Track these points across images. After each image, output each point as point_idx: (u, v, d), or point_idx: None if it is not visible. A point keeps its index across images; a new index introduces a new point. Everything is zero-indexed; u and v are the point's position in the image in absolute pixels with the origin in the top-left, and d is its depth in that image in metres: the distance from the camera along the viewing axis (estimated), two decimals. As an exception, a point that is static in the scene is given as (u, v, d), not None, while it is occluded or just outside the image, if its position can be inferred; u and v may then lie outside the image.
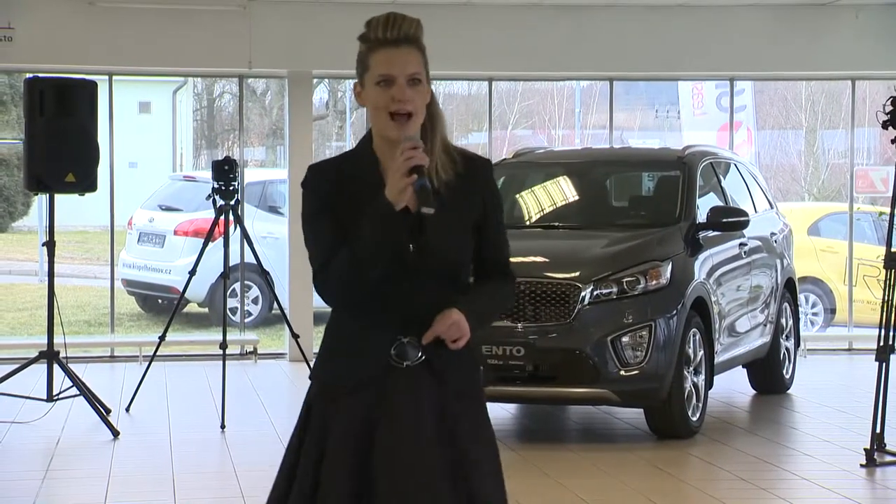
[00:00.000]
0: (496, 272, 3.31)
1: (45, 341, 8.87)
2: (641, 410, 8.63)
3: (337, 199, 3.19)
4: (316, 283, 3.21)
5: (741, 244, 9.45)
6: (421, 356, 3.17)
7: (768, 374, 10.30)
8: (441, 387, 3.19)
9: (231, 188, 9.32)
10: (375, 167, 3.21)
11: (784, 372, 10.39)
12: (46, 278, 9.04)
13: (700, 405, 8.60)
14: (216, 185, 9.32)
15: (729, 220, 8.99)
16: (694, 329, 8.47)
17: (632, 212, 9.56)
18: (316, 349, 13.40)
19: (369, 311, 3.18)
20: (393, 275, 3.14)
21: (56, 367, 8.82)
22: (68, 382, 8.77)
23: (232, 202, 9.33)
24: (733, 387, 10.40)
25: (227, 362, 9.25)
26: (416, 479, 3.10)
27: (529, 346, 8.06)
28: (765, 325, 9.93)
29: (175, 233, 15.40)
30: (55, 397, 8.89)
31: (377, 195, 3.12)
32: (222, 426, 8.81)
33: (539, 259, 8.38)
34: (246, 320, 13.30)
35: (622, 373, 8.09)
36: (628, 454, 8.07)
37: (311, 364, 9.78)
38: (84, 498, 7.08)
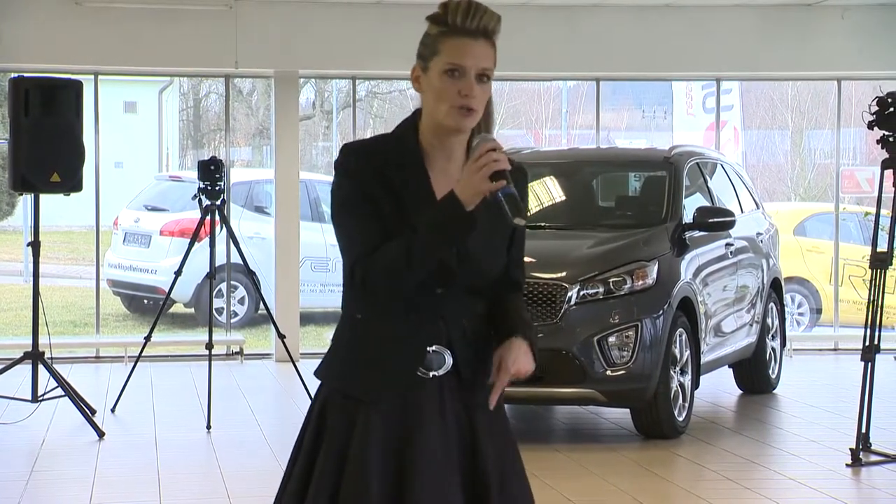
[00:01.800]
0: (513, 291, 3.17)
1: (30, 342, 8.84)
2: (628, 410, 8.63)
3: (376, 184, 2.98)
4: (352, 274, 2.98)
5: (727, 244, 9.46)
6: (449, 364, 3.03)
7: (754, 374, 10.32)
8: (468, 396, 3.05)
9: (217, 188, 9.30)
10: (420, 157, 3.02)
11: (770, 372, 10.40)
12: (31, 278, 9.01)
13: (686, 405, 8.60)
14: (202, 185, 9.30)
15: (715, 221, 9.00)
16: (680, 329, 8.48)
17: (618, 212, 9.56)
18: (302, 349, 13.36)
19: (397, 318, 3.01)
20: (426, 282, 2.98)
21: (41, 367, 8.79)
22: (53, 383, 8.74)
23: (218, 202, 9.31)
24: (719, 387, 10.42)
25: (213, 363, 9.22)
26: (443, 494, 2.98)
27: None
28: (751, 325, 9.94)
29: (161, 233, 15.37)
30: (40, 398, 8.86)
31: (418, 188, 2.97)
32: (208, 427, 8.78)
33: (526, 259, 8.36)
34: (232, 320, 13.28)
35: (609, 373, 8.10)
36: (615, 454, 8.07)
37: (300, 364, 9.76)
38: (69, 499, 7.05)
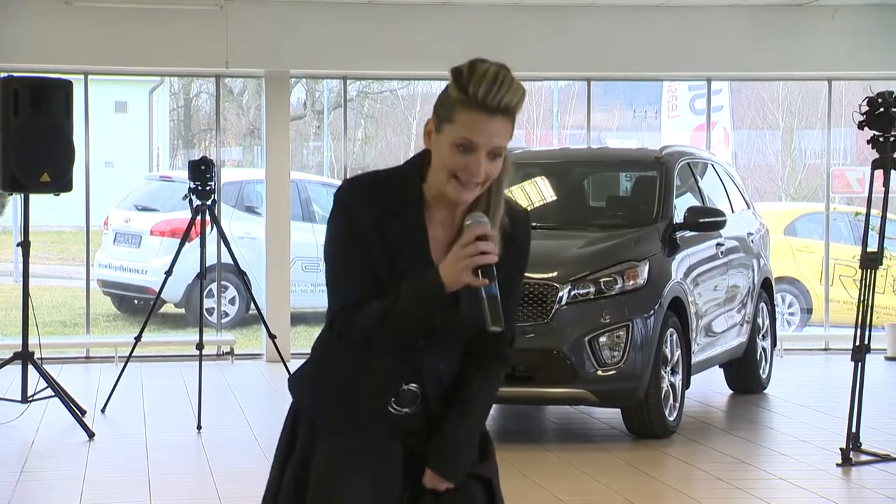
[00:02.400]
0: (493, 354, 3.06)
1: (20, 342, 8.82)
2: (619, 410, 8.63)
3: (374, 233, 2.91)
4: (334, 316, 2.96)
5: (718, 244, 9.46)
6: (421, 403, 3.01)
7: (745, 374, 10.33)
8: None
9: (208, 188, 9.28)
10: (420, 210, 2.92)
11: (761, 372, 10.41)
12: (21, 278, 8.99)
13: (677, 405, 8.61)
14: (192, 185, 9.28)
15: (706, 221, 9.01)
16: (671, 329, 8.48)
17: (609, 212, 9.56)
18: (293, 350, 13.33)
19: (377, 356, 2.97)
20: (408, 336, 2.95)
21: (31, 368, 8.77)
22: (43, 383, 8.72)
23: (208, 202, 9.29)
24: (710, 386, 10.42)
25: (203, 363, 9.21)
26: None
27: (507, 346, 8.04)
28: (741, 325, 9.95)
29: (151, 233, 15.34)
30: (30, 398, 8.84)
31: (414, 240, 2.90)
32: (198, 427, 8.77)
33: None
34: (223, 321, 13.25)
35: (599, 373, 8.10)
36: (605, 454, 8.07)
37: (290, 365, 9.75)
38: (59, 500, 7.03)
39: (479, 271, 2.82)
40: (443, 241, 2.93)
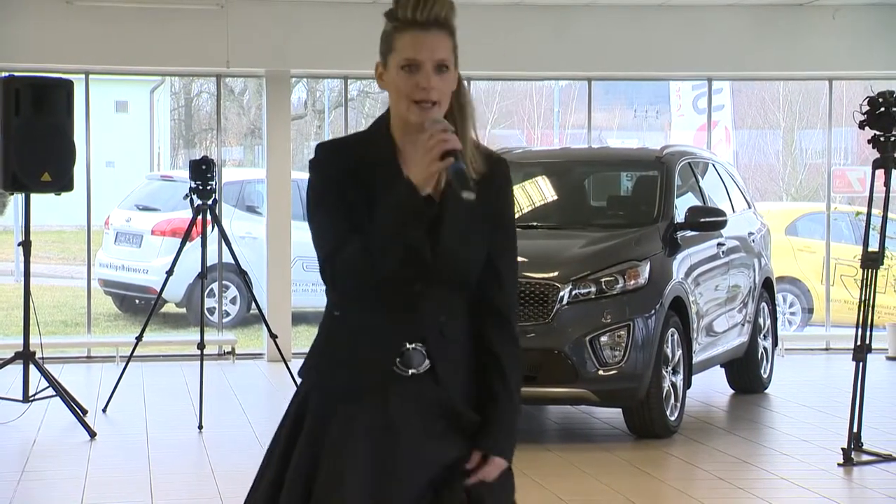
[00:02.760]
0: (497, 323, 3.06)
1: (21, 342, 8.82)
2: (620, 410, 8.63)
3: (348, 182, 2.97)
4: (323, 272, 2.97)
5: (719, 244, 9.46)
6: (427, 363, 2.99)
7: (746, 374, 10.32)
8: (445, 393, 3.01)
9: (208, 188, 9.28)
10: (392, 153, 2.99)
11: (762, 371, 10.41)
12: (23, 278, 8.99)
13: (678, 405, 8.60)
14: (193, 185, 9.28)
15: (707, 220, 9.00)
16: (672, 329, 8.48)
17: (610, 211, 9.56)
18: (294, 349, 13.32)
19: (374, 314, 2.97)
20: (403, 276, 2.94)
21: (32, 367, 8.77)
22: (44, 383, 8.72)
23: (209, 202, 9.29)
24: (711, 386, 10.42)
25: (204, 362, 9.21)
26: (416, 488, 2.97)
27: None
28: (742, 325, 9.95)
29: (152, 232, 15.34)
30: (31, 398, 8.84)
31: (394, 182, 2.91)
32: (200, 427, 8.77)
33: (518, 259, 8.36)
34: (224, 320, 13.26)
35: (601, 372, 8.09)
36: (607, 454, 8.07)
37: (291, 364, 9.75)
38: (60, 499, 7.04)
39: (444, 158, 2.87)
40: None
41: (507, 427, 3.07)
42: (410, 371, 2.99)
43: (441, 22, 2.95)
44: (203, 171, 9.27)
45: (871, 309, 7.76)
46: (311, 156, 3.06)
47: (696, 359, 8.90)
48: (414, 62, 2.94)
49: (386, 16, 3.01)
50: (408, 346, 2.99)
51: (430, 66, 2.93)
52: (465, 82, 3.08)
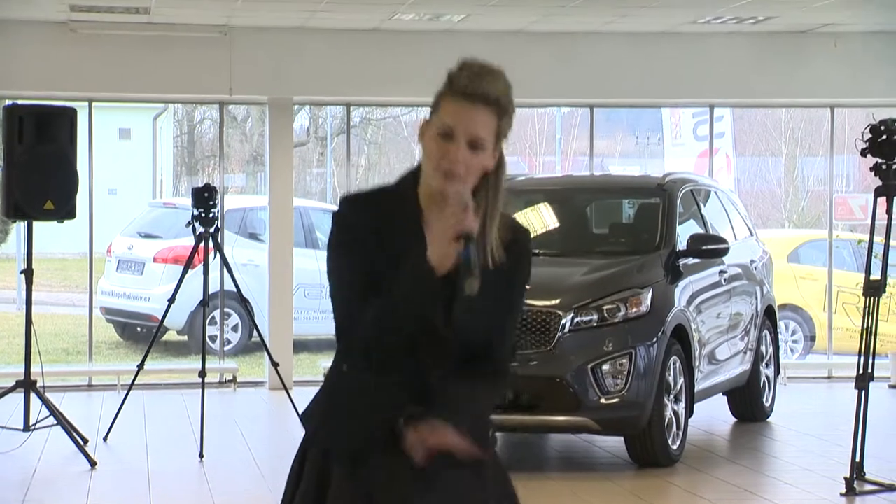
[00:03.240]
0: (494, 375, 3.05)
1: (23, 370, 8.80)
2: (622, 439, 8.60)
3: (371, 240, 2.94)
4: (338, 335, 2.98)
5: (721, 271, 9.45)
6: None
7: (748, 402, 10.29)
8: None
9: (211, 215, 9.29)
10: (416, 214, 2.95)
11: (764, 400, 10.38)
12: (24, 306, 8.98)
13: (680, 433, 8.58)
14: (196, 212, 9.28)
15: (709, 248, 9.00)
16: (674, 357, 8.46)
17: (612, 239, 9.56)
18: (296, 377, 13.25)
19: (384, 375, 2.95)
20: (417, 344, 2.92)
21: (33, 396, 8.75)
22: (45, 412, 8.70)
23: (212, 229, 9.29)
24: (713, 415, 10.39)
25: (206, 391, 9.19)
26: None
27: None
28: (745, 353, 9.93)
29: (154, 260, 15.34)
30: (32, 427, 8.82)
31: (413, 246, 2.89)
32: (201, 455, 8.74)
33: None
34: (225, 348, 13.24)
35: (602, 401, 8.07)
36: (609, 483, 8.04)
37: (293, 392, 9.72)
38: (60, 528, 7.01)
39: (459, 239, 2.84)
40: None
41: (453, 401, 2.98)
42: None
43: (490, 100, 2.89)
44: (205, 198, 9.28)
45: (873, 337, 7.74)
46: (336, 208, 3.02)
47: (698, 387, 8.88)
48: (450, 131, 2.89)
49: (447, 75, 2.95)
50: (412, 407, 2.96)
51: (464, 140, 2.88)
52: (504, 161, 3.01)
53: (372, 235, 2.94)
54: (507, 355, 3.09)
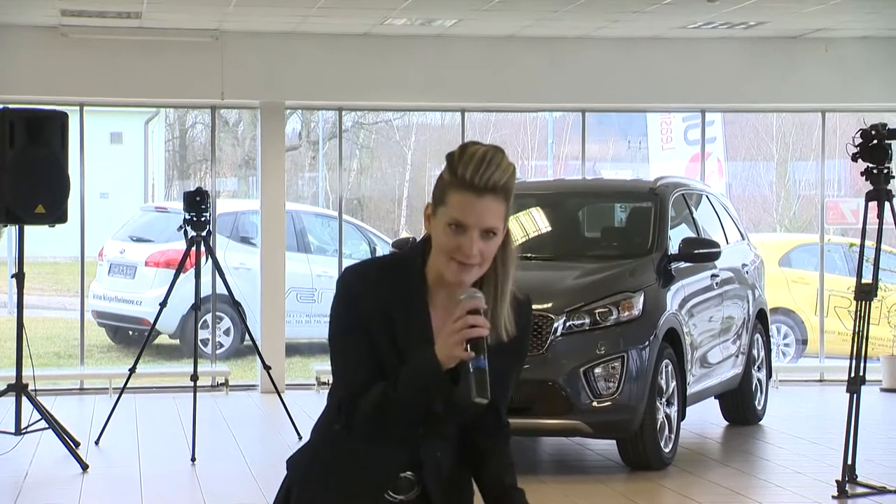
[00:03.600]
0: (491, 424, 3.04)
1: (14, 374, 8.79)
2: (614, 442, 8.61)
3: (376, 318, 2.90)
4: (338, 409, 2.93)
5: (713, 275, 9.47)
6: (417, 490, 2.96)
7: (740, 405, 10.31)
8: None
9: (203, 219, 9.29)
10: (423, 295, 2.93)
11: (756, 403, 10.40)
12: (16, 310, 8.97)
13: (672, 436, 8.59)
14: (188, 216, 9.29)
15: (701, 252, 9.01)
16: (666, 360, 8.47)
17: (604, 243, 9.57)
18: (288, 380, 13.23)
19: (376, 443, 2.94)
20: (416, 423, 2.92)
21: (24, 399, 8.74)
22: (37, 415, 8.68)
23: (203, 233, 9.29)
24: (706, 418, 10.41)
25: (198, 394, 9.18)
26: None
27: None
28: (737, 356, 9.94)
29: (146, 264, 15.33)
30: (24, 430, 8.80)
31: (418, 330, 2.89)
32: (193, 459, 8.74)
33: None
34: (217, 352, 13.23)
35: (595, 404, 8.08)
36: (601, 486, 8.05)
37: (285, 396, 9.70)
38: (52, 532, 7.00)
39: (469, 345, 2.80)
40: (445, 324, 2.90)
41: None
42: (400, 497, 2.96)
43: (498, 189, 2.85)
44: (197, 202, 9.28)
45: (865, 340, 7.76)
46: (340, 276, 2.99)
47: (690, 390, 8.89)
48: (462, 225, 2.84)
49: (447, 161, 2.89)
50: (401, 475, 2.96)
51: (477, 233, 2.84)
52: (512, 236, 2.97)
53: (378, 313, 2.91)
54: (505, 411, 3.07)
